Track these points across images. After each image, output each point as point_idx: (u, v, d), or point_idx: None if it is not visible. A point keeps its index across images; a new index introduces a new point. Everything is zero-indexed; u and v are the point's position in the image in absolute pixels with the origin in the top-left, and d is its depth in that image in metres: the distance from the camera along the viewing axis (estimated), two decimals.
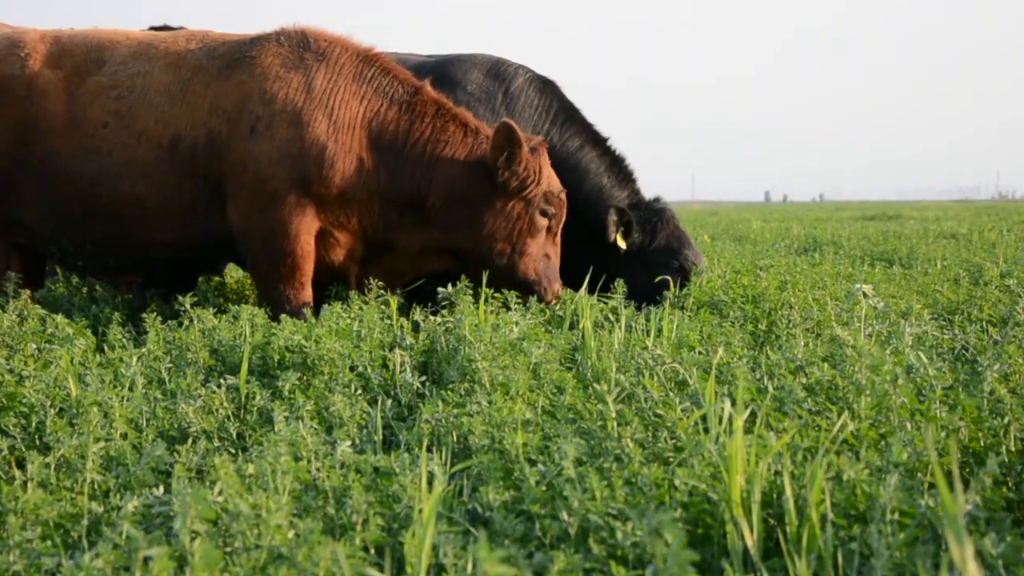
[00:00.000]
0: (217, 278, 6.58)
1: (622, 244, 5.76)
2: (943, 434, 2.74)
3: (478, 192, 5.07)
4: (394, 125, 5.07)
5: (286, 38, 5.13)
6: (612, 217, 5.75)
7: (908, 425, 2.79)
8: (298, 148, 4.87)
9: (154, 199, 5.04)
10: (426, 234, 5.15)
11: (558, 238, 5.32)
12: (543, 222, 5.16)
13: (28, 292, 4.97)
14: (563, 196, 5.22)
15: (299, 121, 4.89)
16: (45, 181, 5.14)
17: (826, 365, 3.22)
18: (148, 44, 5.25)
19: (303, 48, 5.09)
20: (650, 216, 5.91)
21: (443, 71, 6.03)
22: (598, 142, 6.04)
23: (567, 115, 6.04)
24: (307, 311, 4.56)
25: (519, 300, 4.49)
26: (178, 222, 5.10)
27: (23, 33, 5.36)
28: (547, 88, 6.09)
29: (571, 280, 5.68)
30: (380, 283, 4.84)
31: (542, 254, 5.22)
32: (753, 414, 2.82)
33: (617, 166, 6.03)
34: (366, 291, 4.88)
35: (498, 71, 6.04)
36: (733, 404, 2.49)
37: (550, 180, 5.18)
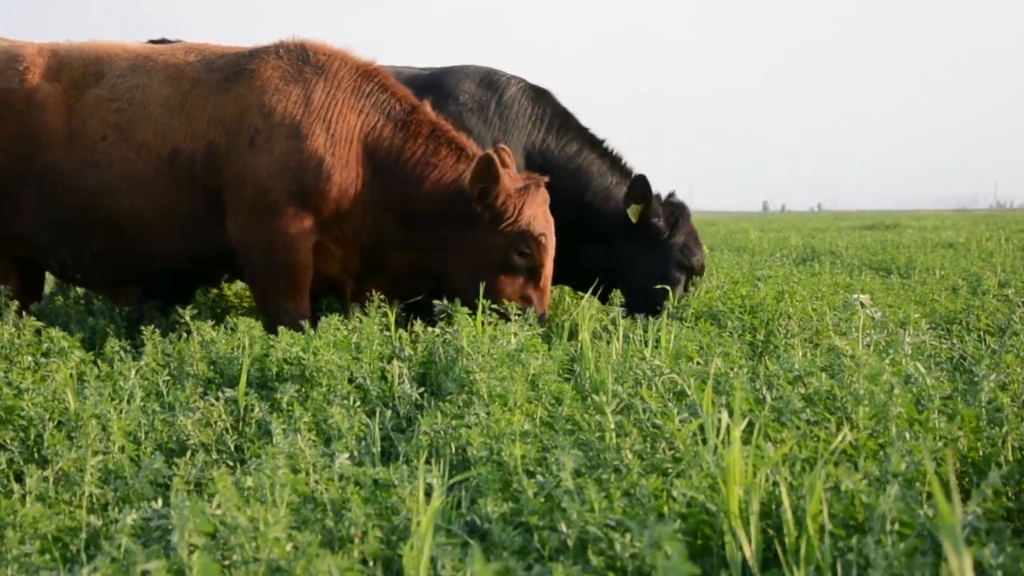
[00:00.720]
0: (215, 290, 6.58)
1: (633, 217, 5.71)
2: (941, 444, 2.74)
3: (458, 219, 4.99)
4: (388, 142, 5.06)
5: (285, 51, 5.14)
6: (636, 184, 5.70)
7: (907, 435, 2.79)
8: (296, 161, 4.87)
9: (153, 211, 5.04)
10: (412, 255, 5.13)
11: (545, 283, 5.11)
12: (519, 261, 5.00)
13: (16, 304, 4.94)
14: (544, 239, 5.02)
15: (297, 134, 4.90)
16: (44, 194, 5.14)
17: (824, 375, 3.22)
18: (147, 57, 5.26)
19: (302, 61, 5.10)
20: (673, 210, 5.89)
21: (436, 83, 6.04)
22: (595, 144, 6.04)
23: (562, 121, 6.04)
24: (305, 323, 4.56)
25: (519, 311, 4.49)
26: (177, 234, 5.11)
27: (21, 47, 5.36)
28: (540, 97, 6.09)
29: (582, 281, 5.69)
30: (380, 295, 4.83)
31: (519, 295, 5.03)
32: (751, 424, 2.82)
33: (617, 165, 6.04)
34: (365, 304, 4.87)
35: (491, 81, 6.04)
36: (731, 415, 2.49)
37: (533, 220, 5.00)
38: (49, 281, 7.60)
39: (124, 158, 5.02)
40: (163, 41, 6.71)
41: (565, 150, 5.94)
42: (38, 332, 4.26)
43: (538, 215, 5.04)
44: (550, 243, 5.09)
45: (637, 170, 6.08)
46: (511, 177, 5.07)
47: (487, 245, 4.99)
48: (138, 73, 5.17)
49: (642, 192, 5.68)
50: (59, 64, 5.25)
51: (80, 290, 6.41)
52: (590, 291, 5.50)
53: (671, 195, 6.02)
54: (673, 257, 5.81)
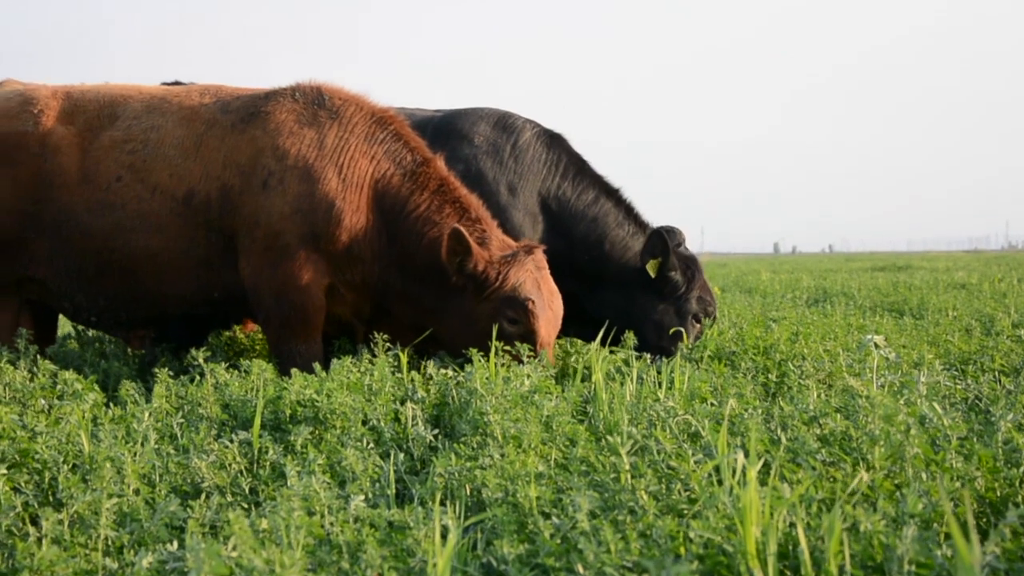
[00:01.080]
0: (227, 332, 6.59)
1: (652, 272, 5.71)
2: (958, 484, 2.73)
3: (448, 283, 4.93)
4: (396, 190, 5.06)
5: (301, 94, 5.18)
6: (653, 240, 5.72)
7: (923, 475, 2.78)
8: (308, 203, 4.90)
9: (168, 253, 5.07)
10: (414, 309, 5.11)
11: (544, 348, 4.90)
12: (509, 328, 4.86)
13: (35, 348, 4.95)
14: (532, 305, 4.86)
15: (310, 177, 4.93)
16: (59, 237, 5.17)
17: (839, 416, 3.21)
18: (161, 98, 5.31)
19: (317, 105, 5.13)
20: (688, 264, 5.90)
21: (449, 124, 6.06)
22: (611, 192, 6.04)
23: (577, 168, 6.04)
24: (317, 365, 4.56)
25: (531, 353, 4.49)
26: (192, 275, 5.13)
27: (35, 90, 5.42)
28: (555, 142, 6.10)
29: (596, 332, 5.69)
30: (387, 336, 4.80)
31: (512, 361, 4.67)
32: (767, 465, 2.81)
33: (632, 215, 6.05)
34: (372, 345, 4.86)
35: (505, 124, 6.05)
36: (746, 455, 2.49)
37: (520, 286, 4.87)
38: (63, 324, 7.63)
39: (139, 199, 5.05)
40: (176, 83, 6.77)
41: (581, 198, 5.94)
42: (53, 375, 4.27)
43: (526, 281, 4.91)
44: (542, 307, 4.93)
45: (647, 211, 6.11)
46: (501, 243, 5.02)
47: (475, 312, 4.91)
48: (153, 115, 5.22)
49: (660, 247, 5.69)
50: (73, 107, 5.31)
51: (94, 333, 6.43)
52: (600, 336, 5.48)
53: (678, 245, 6.03)
54: (690, 310, 5.81)
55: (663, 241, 5.68)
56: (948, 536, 2.43)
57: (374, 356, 4.54)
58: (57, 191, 5.16)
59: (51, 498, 3.08)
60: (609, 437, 3.09)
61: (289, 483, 2.77)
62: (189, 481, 3.20)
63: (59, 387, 4.14)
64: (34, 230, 5.21)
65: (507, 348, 4.59)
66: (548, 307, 4.97)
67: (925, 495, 2.50)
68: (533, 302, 4.87)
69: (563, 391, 4.04)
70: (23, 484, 3.09)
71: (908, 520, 2.26)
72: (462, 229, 4.80)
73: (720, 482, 2.56)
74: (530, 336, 4.87)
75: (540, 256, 5.07)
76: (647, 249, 5.72)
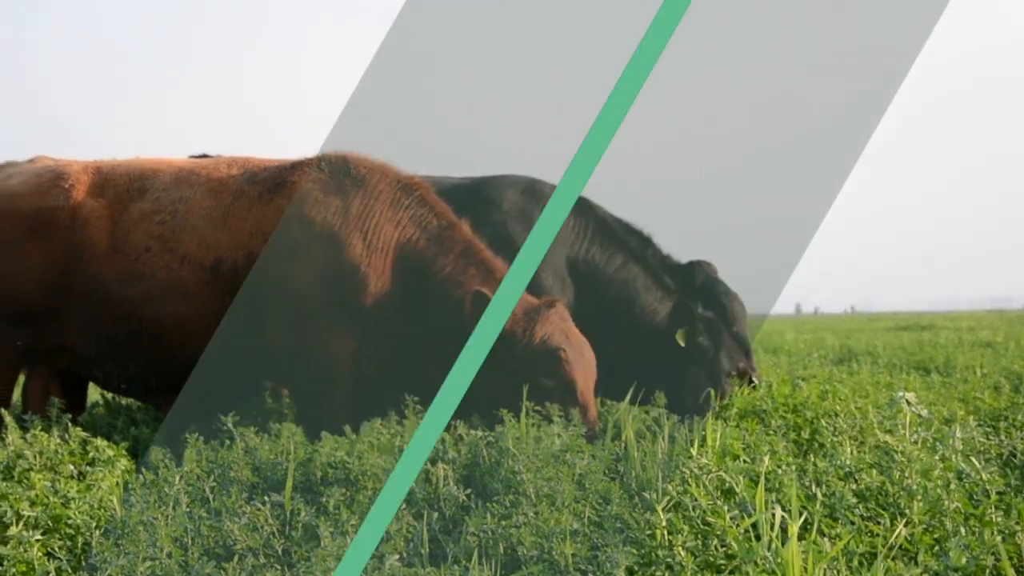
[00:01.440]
0: (255, 397, 6.60)
1: (681, 342, 5.72)
2: (999, 539, 2.70)
3: None
4: (421, 254, 5.10)
5: (327, 164, 5.23)
6: (679, 310, 5.76)
7: (962, 529, 2.75)
8: (334, 270, 4.94)
9: (197, 320, 5.10)
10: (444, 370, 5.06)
11: (583, 399, 4.90)
12: (546, 382, 4.84)
13: (68, 416, 4.95)
14: (564, 354, 4.86)
15: (335, 243, 4.98)
16: (89, 307, 5.22)
17: (875, 471, 3.19)
18: (189, 171, 5.38)
19: (343, 174, 5.18)
20: (711, 326, 5.88)
21: (477, 191, 6.12)
22: (638, 257, 6.07)
23: (605, 232, 6.06)
24: (347, 427, 4.55)
25: (561, 413, 4.46)
26: None
27: (66, 165, 5.50)
28: (582, 207, 6.13)
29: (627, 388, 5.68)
30: (416, 398, 4.78)
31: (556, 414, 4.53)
32: (804, 521, 2.79)
33: (659, 279, 6.06)
34: (402, 407, 4.85)
35: (534, 191, 6.11)
36: (784, 511, 2.47)
37: (548, 338, 4.88)
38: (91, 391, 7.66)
39: (168, 268, 5.10)
40: (204, 156, 6.86)
41: (611, 262, 5.98)
42: (84, 442, 4.29)
43: (554, 332, 4.91)
44: (575, 356, 4.91)
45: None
46: (521, 301, 4.94)
47: (511, 369, 4.84)
48: (181, 186, 5.28)
49: (686, 319, 5.72)
50: (103, 180, 5.38)
51: (124, 400, 6.45)
52: (629, 395, 5.46)
53: (699, 291, 6.06)
54: (721, 369, 5.81)
55: (689, 311, 5.72)
56: None
57: (403, 417, 4.53)
58: (88, 263, 5.21)
59: (83, 563, 3.08)
60: (644, 494, 3.08)
61: (323, 544, 2.76)
62: (221, 544, 3.19)
63: (90, 453, 4.16)
64: (65, 301, 5.26)
65: (537, 408, 4.57)
66: (581, 355, 4.95)
67: (966, 549, 2.47)
68: (565, 351, 4.86)
69: (594, 449, 4.02)
70: (56, 549, 3.10)
71: (951, 574, 2.23)
72: (484, 291, 4.81)
73: (757, 538, 2.54)
74: (569, 387, 4.85)
75: (562, 309, 5.09)
76: (674, 319, 5.75)
